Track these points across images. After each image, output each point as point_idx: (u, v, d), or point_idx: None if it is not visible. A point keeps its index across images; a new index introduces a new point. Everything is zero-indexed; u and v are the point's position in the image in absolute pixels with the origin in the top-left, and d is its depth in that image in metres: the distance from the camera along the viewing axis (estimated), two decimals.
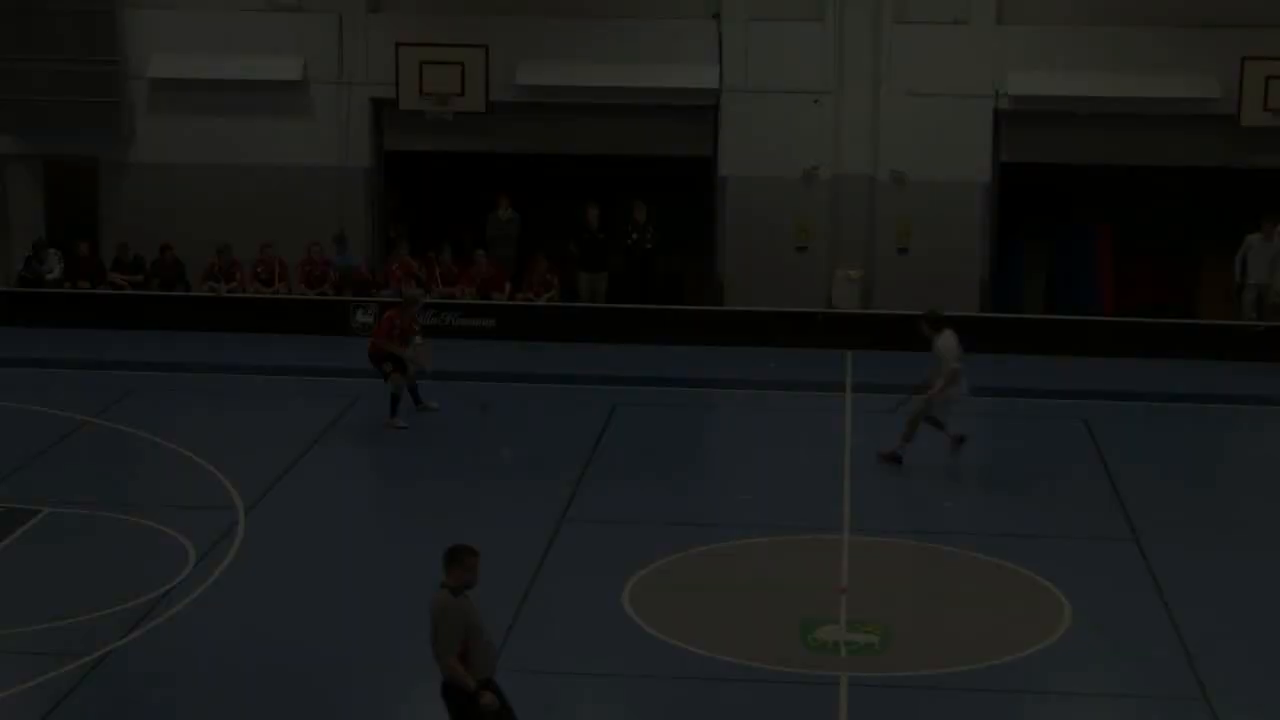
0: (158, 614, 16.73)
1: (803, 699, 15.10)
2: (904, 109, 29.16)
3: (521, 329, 28.82)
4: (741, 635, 16.46)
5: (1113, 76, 28.72)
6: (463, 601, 12.39)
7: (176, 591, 17.30)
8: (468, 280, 29.72)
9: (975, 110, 29.15)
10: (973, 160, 29.28)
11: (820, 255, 29.56)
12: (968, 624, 17.07)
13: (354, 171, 30.40)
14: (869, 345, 27.26)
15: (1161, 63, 28.72)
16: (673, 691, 15.39)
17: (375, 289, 29.28)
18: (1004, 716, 15.02)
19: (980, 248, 29.50)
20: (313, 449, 22.45)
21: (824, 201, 29.51)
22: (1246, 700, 15.13)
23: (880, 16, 29.11)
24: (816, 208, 29.53)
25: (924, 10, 29.15)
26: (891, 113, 29.25)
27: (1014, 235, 30.26)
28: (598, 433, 23.24)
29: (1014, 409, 25.35)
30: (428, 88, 29.22)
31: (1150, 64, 28.73)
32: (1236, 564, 18.58)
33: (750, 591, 17.92)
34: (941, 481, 21.64)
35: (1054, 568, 18.00)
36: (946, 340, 21.50)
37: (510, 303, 29.44)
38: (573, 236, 29.82)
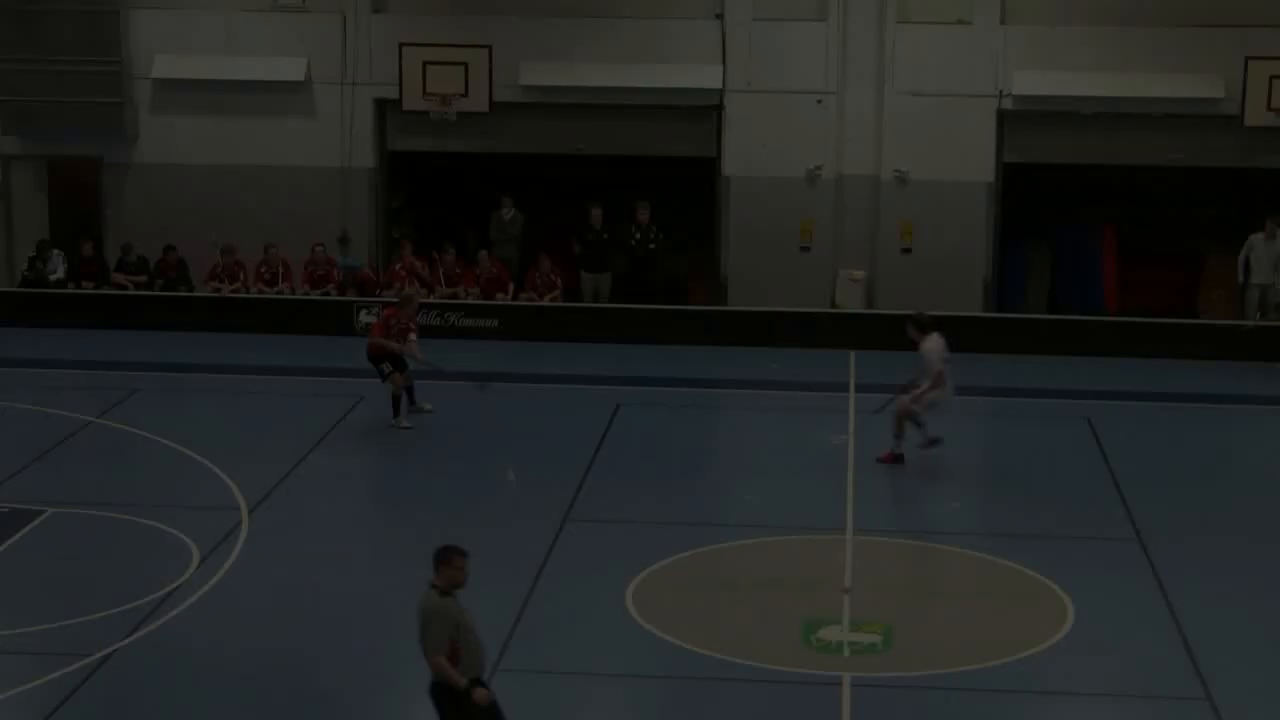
0: (161, 614, 16.74)
1: (805, 699, 15.10)
2: (907, 109, 29.16)
3: (525, 329, 28.83)
4: (744, 635, 16.47)
5: (1116, 76, 28.71)
6: (450, 602, 12.41)
7: (180, 592, 17.31)
8: (471, 280, 29.73)
9: (978, 110, 29.14)
10: (976, 160, 29.27)
11: (823, 255, 29.56)
12: (970, 623, 17.09)
13: (357, 172, 30.42)
14: (872, 345, 27.23)
15: (1165, 63, 28.70)
16: (676, 691, 15.40)
17: (379, 289, 29.29)
18: (1007, 716, 15.03)
19: (983, 248, 29.49)
20: (316, 449, 22.45)
21: (827, 202, 29.51)
22: (1249, 700, 15.12)
23: (883, 17, 29.10)
24: (820, 208, 29.53)
25: (927, 10, 29.14)
26: (895, 113, 29.25)
27: (1017, 235, 30.24)
28: (601, 433, 23.24)
29: (1017, 409, 25.35)
30: (431, 88, 29.22)
31: (1154, 64, 28.72)
32: (1239, 563, 18.57)
33: (753, 591, 17.94)
34: (944, 481, 21.65)
35: (1057, 567, 17.99)
36: (933, 344, 21.53)
37: (514, 303, 29.45)
38: (576, 237, 29.83)
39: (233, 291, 29.72)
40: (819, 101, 29.27)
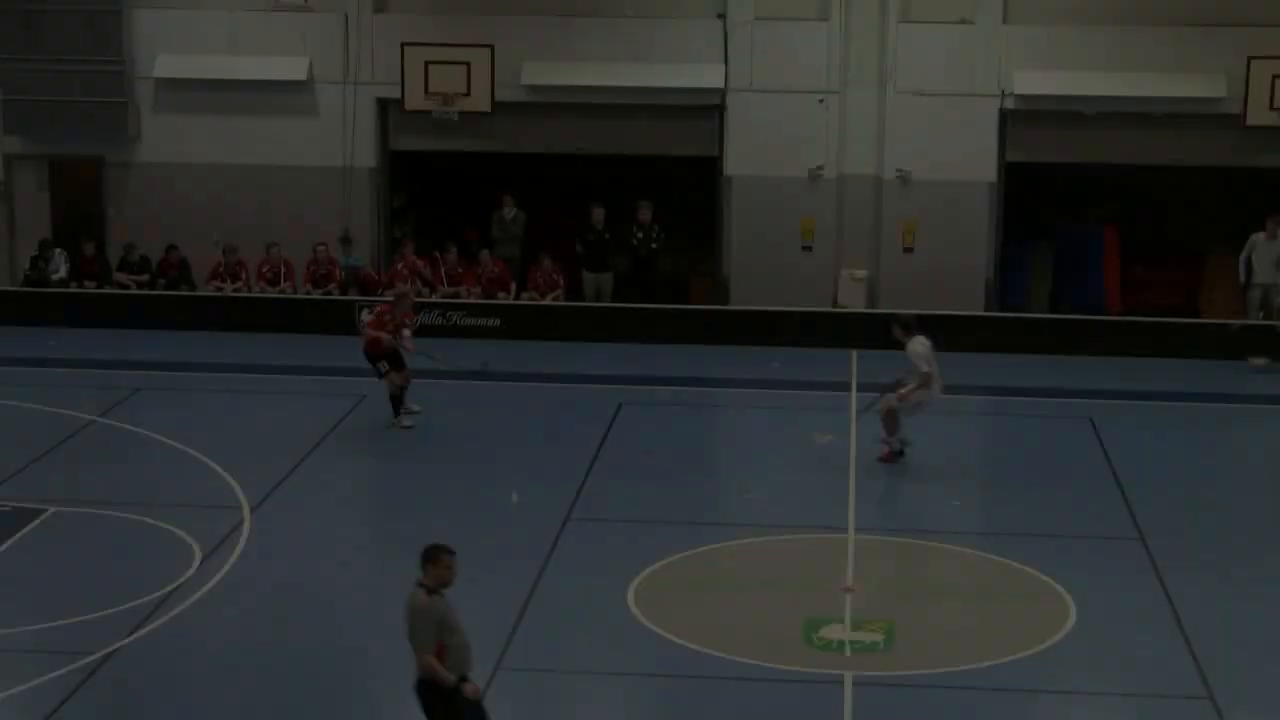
0: (162, 613, 16.73)
1: (807, 698, 15.10)
2: (909, 109, 29.14)
3: (527, 328, 28.84)
4: (746, 634, 16.46)
5: (1118, 76, 28.70)
6: (438, 600, 12.43)
7: (181, 590, 17.31)
8: (473, 280, 29.74)
9: (981, 110, 29.12)
10: (978, 160, 29.25)
11: (826, 255, 29.56)
12: (972, 623, 17.09)
13: (359, 172, 30.42)
14: (874, 345, 27.22)
15: (1167, 62, 28.69)
16: (677, 690, 15.40)
17: (381, 289, 29.29)
18: (1008, 715, 15.02)
19: (986, 247, 29.48)
20: (318, 448, 22.46)
21: (829, 201, 29.51)
22: (1252, 700, 15.13)
23: (885, 16, 29.09)
24: (822, 207, 29.52)
25: (929, 10, 29.12)
26: (897, 113, 29.22)
27: (1019, 235, 30.24)
28: (603, 432, 23.25)
29: (1019, 408, 25.36)
30: (433, 88, 29.22)
31: (1156, 63, 28.71)
32: (1241, 562, 18.57)
33: (754, 590, 17.94)
34: (946, 481, 21.64)
35: (1059, 566, 17.99)
36: (918, 345, 21.55)
37: (515, 302, 29.46)
38: (578, 236, 29.84)
39: (235, 291, 29.73)
40: (821, 101, 29.26)
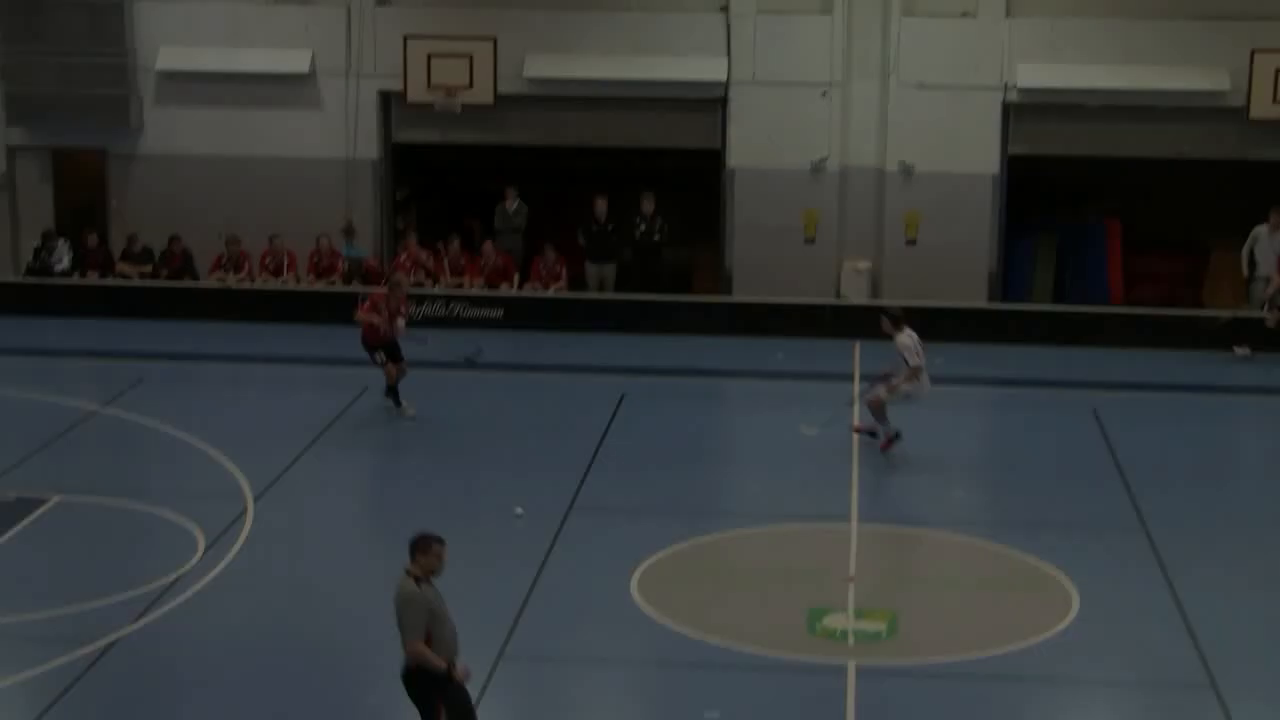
0: (165, 602, 16.74)
1: (810, 686, 15.11)
2: (912, 102, 29.12)
3: (529, 319, 28.86)
4: (749, 623, 16.47)
5: (1122, 69, 28.68)
6: (427, 589, 12.43)
7: (184, 580, 17.32)
8: (476, 271, 29.75)
9: (984, 103, 29.11)
10: (981, 153, 29.25)
11: (828, 247, 29.56)
12: (975, 612, 17.10)
13: (362, 164, 30.41)
14: (877, 336, 27.18)
15: (1171, 55, 28.67)
16: (680, 679, 15.39)
17: (384, 280, 29.28)
18: (1011, 704, 15.01)
19: (988, 240, 29.47)
20: (321, 438, 22.47)
21: (832, 194, 29.51)
22: (1254, 689, 15.12)
23: (888, 9, 29.07)
24: (824, 200, 29.52)
25: (932, 3, 29.11)
26: (899, 105, 29.21)
27: (1022, 227, 30.24)
28: (605, 423, 23.26)
29: (1022, 400, 25.37)
30: (436, 80, 29.21)
31: (1159, 57, 28.69)
32: (1245, 553, 18.56)
33: (758, 580, 17.94)
34: (949, 471, 21.67)
35: (1062, 556, 18.00)
36: (908, 337, 21.58)
37: (518, 293, 29.48)
38: (581, 228, 29.85)
39: (238, 282, 29.74)
40: (824, 94, 29.25)
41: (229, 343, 27.64)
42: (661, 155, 30.09)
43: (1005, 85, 29.01)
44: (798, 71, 29.23)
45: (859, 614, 16.59)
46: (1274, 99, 28.06)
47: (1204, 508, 20.19)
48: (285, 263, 29.84)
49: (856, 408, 22.53)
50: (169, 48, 30.24)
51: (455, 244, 30.04)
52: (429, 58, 29.21)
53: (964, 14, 29.03)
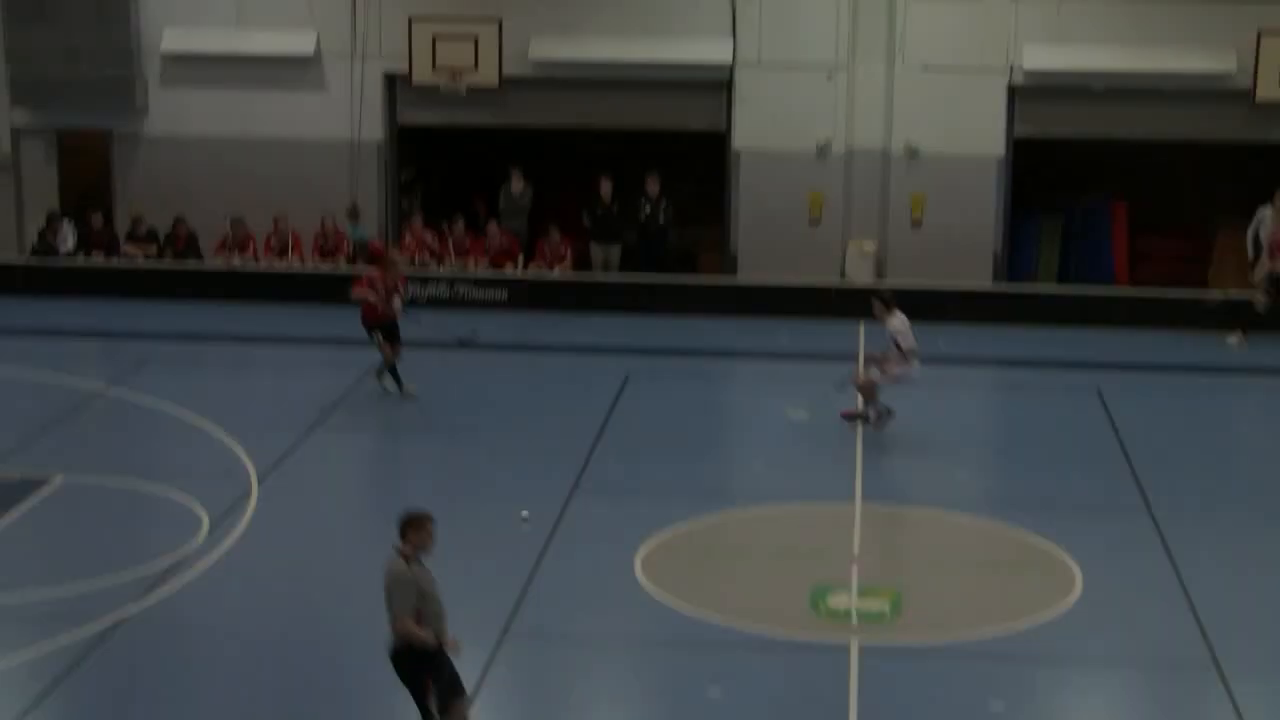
0: (170, 582, 16.76)
1: (813, 665, 15.11)
2: (918, 83, 29.09)
3: (534, 300, 28.88)
4: (753, 602, 16.49)
5: (1128, 51, 28.62)
6: (416, 567, 12.43)
7: (189, 560, 17.34)
8: (480, 252, 29.76)
9: (989, 85, 29.07)
10: (987, 135, 29.22)
11: (834, 229, 29.55)
12: (979, 591, 17.12)
13: (367, 146, 30.40)
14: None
15: (1177, 37, 28.62)
16: (684, 659, 15.39)
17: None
18: (1014, 683, 14.99)
19: (994, 222, 29.45)
20: (325, 419, 22.48)
21: (837, 175, 29.49)
22: (1257, 668, 15.14)
23: None
24: (830, 182, 29.50)
25: None
26: (905, 87, 29.18)
27: (1028, 209, 30.23)
28: (610, 403, 23.27)
29: (1027, 380, 25.37)
30: (441, 62, 29.19)
31: (1165, 39, 28.64)
32: (1248, 533, 18.59)
33: (762, 559, 17.98)
34: (953, 451, 21.69)
35: (1066, 536, 18.00)
36: (899, 322, 21.61)
37: (523, 274, 29.49)
38: (586, 209, 29.85)
39: (242, 263, 29.76)
40: (829, 78, 29.21)
41: (234, 323, 27.69)
42: (667, 138, 30.05)
43: (1011, 67, 28.98)
44: (803, 53, 29.19)
45: (863, 593, 16.60)
46: None
47: (1207, 488, 20.22)
48: (290, 243, 29.85)
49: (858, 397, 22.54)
50: (174, 29, 30.22)
51: (460, 225, 30.05)
52: (434, 39, 29.19)
53: None
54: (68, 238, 30.25)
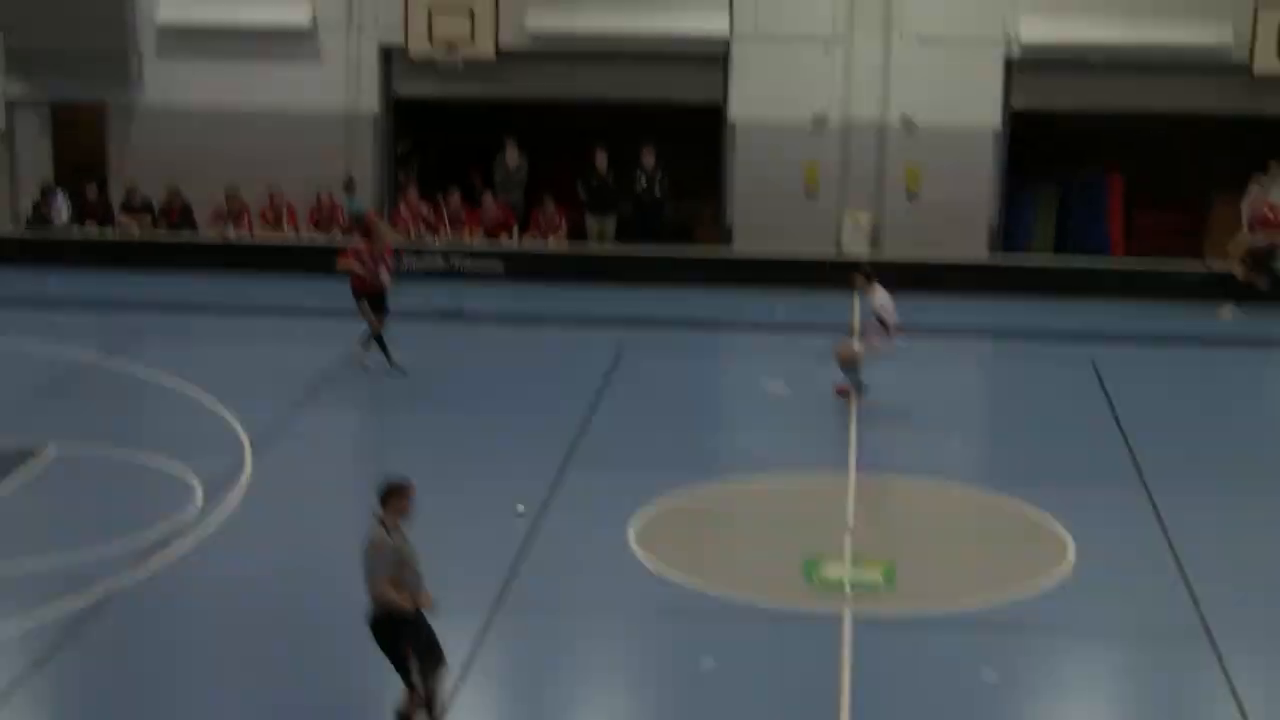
0: (164, 552, 16.75)
1: (807, 635, 15.10)
2: (914, 56, 29.07)
3: (529, 271, 28.85)
4: (746, 573, 16.50)
5: (1125, 24, 28.58)
6: (396, 535, 12.42)
7: (183, 529, 17.32)
8: (475, 223, 29.74)
9: (986, 57, 29.05)
10: (983, 107, 29.19)
11: (830, 201, 29.52)
12: (972, 561, 17.13)
13: (363, 118, 30.35)
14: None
15: (1174, 10, 28.59)
16: (677, 629, 15.39)
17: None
18: (1007, 653, 14.99)
19: (990, 194, 29.43)
20: (321, 389, 22.48)
21: (834, 148, 29.44)
22: (1249, 637, 15.15)
23: None
24: (826, 154, 29.46)
25: None
26: (902, 59, 29.15)
27: (1024, 180, 30.20)
28: (605, 374, 23.25)
29: (1022, 351, 25.38)
30: (437, 35, 29.14)
31: (1163, 12, 28.61)
32: (1241, 504, 18.62)
33: (755, 530, 18.01)
34: (948, 421, 21.72)
35: (1059, 506, 17.99)
36: (882, 296, 21.61)
37: (518, 245, 29.47)
38: (581, 180, 29.82)
39: (237, 233, 29.72)
40: (826, 51, 29.13)
41: (229, 294, 27.68)
42: (663, 110, 30.00)
43: (1008, 39, 28.93)
44: (800, 25, 29.16)
45: (856, 563, 16.59)
46: (1277, 54, 27.96)
47: (1200, 458, 20.25)
48: (285, 214, 29.81)
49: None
50: (170, 1, 30.14)
51: (455, 197, 30.01)
52: (430, 11, 29.14)
53: None
54: (62, 209, 30.21)
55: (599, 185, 29.66)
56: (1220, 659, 14.61)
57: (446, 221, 29.70)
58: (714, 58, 29.59)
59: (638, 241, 29.54)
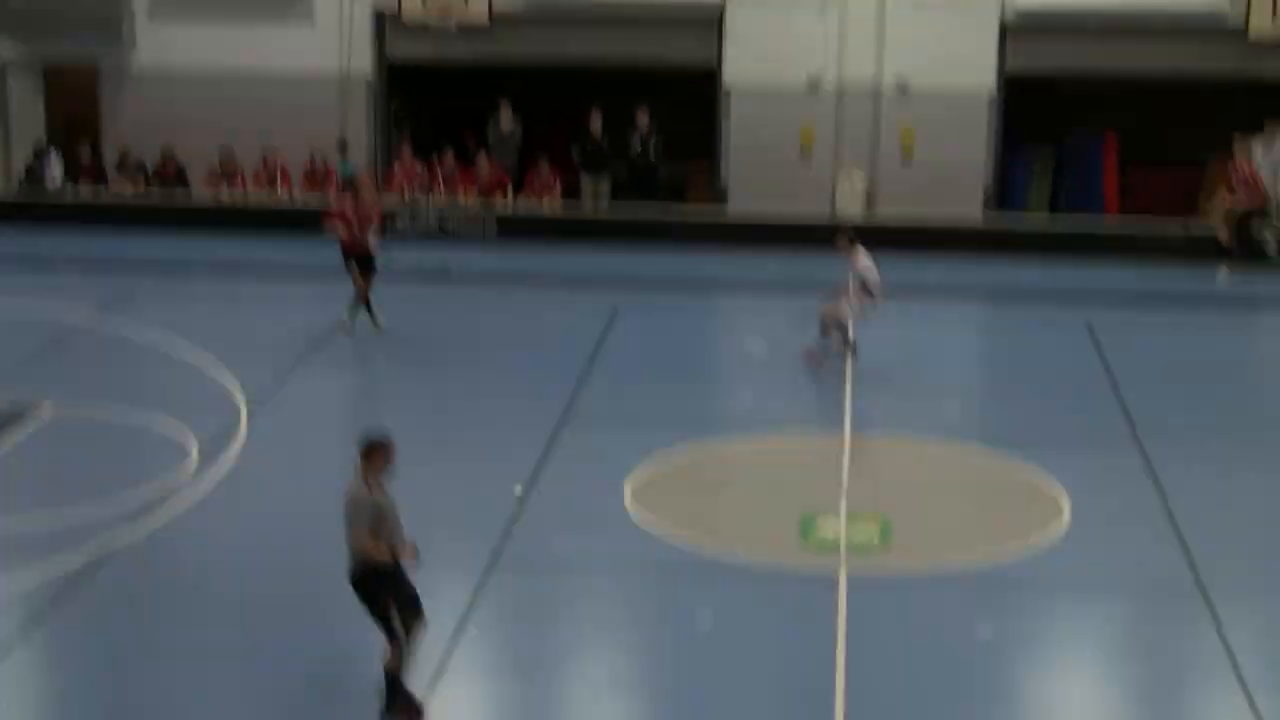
0: (159, 511, 16.75)
1: (802, 593, 15.13)
2: (909, 19, 29.03)
3: (523, 232, 28.84)
4: (742, 531, 16.54)
5: None
6: (377, 490, 12.42)
7: (179, 489, 17.32)
8: (470, 183, 29.71)
9: (981, 20, 29.04)
10: (979, 70, 29.17)
11: (824, 163, 29.51)
12: (967, 519, 17.15)
13: (356, 81, 30.28)
14: (871, 250, 27.15)
15: None
16: (673, 587, 15.41)
17: (378, 193, 29.22)
18: (1002, 611, 15.01)
19: (985, 156, 29.43)
20: (316, 349, 22.47)
21: (828, 110, 29.41)
22: (1241, 594, 15.17)
23: None
24: (821, 117, 29.43)
25: None
26: (897, 22, 29.11)
27: (1020, 141, 30.19)
28: (599, 334, 23.26)
29: (1017, 312, 25.40)
30: (431, 0, 29.08)
31: None
32: (1234, 462, 18.66)
33: (751, 488, 18.03)
34: (943, 381, 21.76)
35: (1055, 465, 18.02)
36: (867, 259, 21.59)
37: (513, 208, 29.44)
38: (575, 142, 29.79)
39: (230, 193, 29.70)
40: (820, 14, 29.08)
41: (224, 255, 27.68)
42: (657, 74, 29.95)
43: (1003, 3, 28.89)
44: None
45: (851, 521, 16.62)
46: (1273, 17, 27.93)
47: (1194, 417, 20.28)
48: (279, 174, 29.78)
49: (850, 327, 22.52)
50: None
51: (449, 157, 29.98)
52: None
53: None
54: (55, 170, 30.17)
55: (593, 148, 29.63)
56: (1214, 615, 14.65)
57: (441, 181, 29.67)
58: (708, 21, 29.52)
59: (632, 201, 29.52)
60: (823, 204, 29.32)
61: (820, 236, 27.96)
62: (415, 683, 12.80)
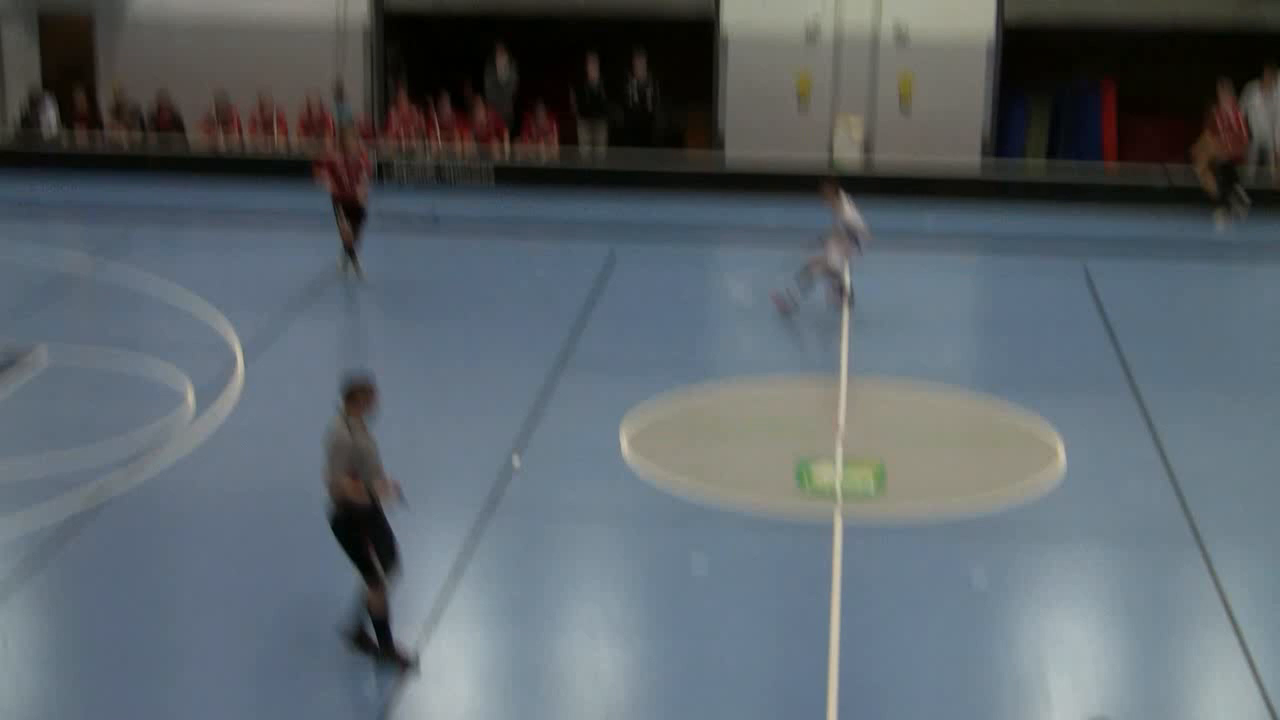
0: (156, 454, 16.77)
1: (798, 539, 15.15)
2: None
3: (520, 179, 28.79)
4: (738, 477, 16.53)
5: None
6: (359, 432, 12.39)
7: (175, 434, 17.34)
8: (466, 130, 29.65)
9: None
10: (977, 19, 29.08)
11: (822, 111, 29.43)
12: (963, 466, 17.17)
13: (353, 29, 30.16)
14: (869, 196, 27.13)
15: None
16: (669, 532, 15.44)
17: (375, 140, 29.17)
18: (997, 558, 15.04)
19: (982, 105, 29.35)
20: (312, 295, 22.46)
21: (826, 58, 29.32)
22: (1237, 541, 15.20)
23: None
24: (819, 66, 29.34)
25: None
26: None
27: (1018, 89, 30.11)
28: (596, 280, 23.24)
29: (1014, 259, 25.37)
30: None
31: None
32: (1231, 410, 18.64)
33: (747, 434, 18.02)
34: (941, 327, 21.74)
35: (1050, 412, 18.05)
36: (852, 209, 21.57)
37: (510, 156, 29.38)
38: (573, 89, 29.71)
39: (226, 140, 29.63)
40: None
41: (219, 201, 27.64)
42: (655, 23, 29.87)
43: None
44: None
45: (847, 466, 16.64)
46: None
47: (1190, 363, 20.31)
48: (275, 122, 29.70)
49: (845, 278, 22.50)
50: None
51: (446, 104, 29.90)
52: None
53: None
54: (50, 117, 30.10)
55: (591, 94, 29.55)
56: (1208, 560, 14.68)
57: (437, 128, 29.59)
58: None
59: (629, 149, 29.45)
60: (820, 152, 29.27)
61: (817, 184, 28.12)
62: (410, 629, 12.82)
